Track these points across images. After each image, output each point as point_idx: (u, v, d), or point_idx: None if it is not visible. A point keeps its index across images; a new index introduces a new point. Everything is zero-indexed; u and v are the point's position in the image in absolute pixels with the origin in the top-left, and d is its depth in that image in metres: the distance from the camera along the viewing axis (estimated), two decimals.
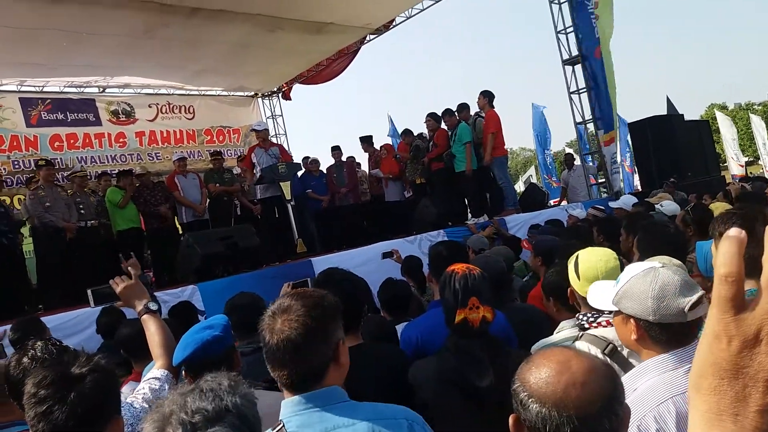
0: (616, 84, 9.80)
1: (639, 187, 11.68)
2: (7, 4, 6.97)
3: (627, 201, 5.99)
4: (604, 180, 10.51)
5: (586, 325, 1.95)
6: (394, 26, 11.35)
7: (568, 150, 21.06)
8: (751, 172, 20.22)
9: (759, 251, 0.48)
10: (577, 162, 10.72)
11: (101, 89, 10.94)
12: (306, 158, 9.39)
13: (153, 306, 2.07)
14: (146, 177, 7.97)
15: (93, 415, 1.35)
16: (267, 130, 8.20)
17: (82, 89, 10.68)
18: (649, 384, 1.39)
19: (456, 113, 8.31)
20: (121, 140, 11.00)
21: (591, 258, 2.06)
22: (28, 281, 6.72)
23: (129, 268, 2.14)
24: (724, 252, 0.48)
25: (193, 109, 12.17)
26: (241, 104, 13.15)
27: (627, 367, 1.68)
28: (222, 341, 1.81)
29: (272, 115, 13.66)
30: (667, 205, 5.18)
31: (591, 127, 10.44)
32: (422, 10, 10.79)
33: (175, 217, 7.81)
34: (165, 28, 8.40)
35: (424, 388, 1.90)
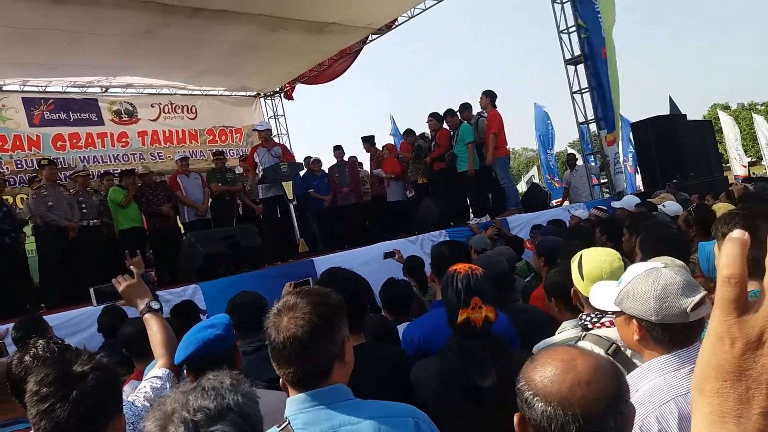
0: (619, 83, 9.79)
1: (641, 188, 11.67)
2: (8, 4, 6.98)
3: (629, 201, 5.98)
4: (606, 180, 10.50)
5: (590, 326, 1.94)
6: (397, 26, 11.34)
7: (571, 150, 21.00)
8: (754, 173, 20.19)
9: (762, 252, 0.48)
10: (580, 162, 10.69)
11: (104, 89, 10.96)
12: (308, 158, 9.41)
13: (155, 305, 2.07)
14: (149, 177, 7.97)
15: (95, 414, 1.35)
16: (269, 129, 8.22)
17: (84, 89, 10.69)
18: (651, 385, 1.39)
19: (458, 113, 8.30)
20: (124, 140, 11.02)
21: (595, 258, 2.04)
22: (30, 280, 6.74)
23: (131, 266, 2.15)
24: (727, 253, 0.48)
25: (196, 109, 12.19)
26: (243, 104, 13.17)
27: (630, 367, 1.67)
28: (224, 340, 1.81)
29: (274, 115, 13.68)
30: (669, 206, 5.16)
31: (593, 127, 10.43)
32: (424, 10, 10.78)
33: (177, 217, 7.82)
34: (166, 28, 8.41)
35: (426, 388, 1.90)
